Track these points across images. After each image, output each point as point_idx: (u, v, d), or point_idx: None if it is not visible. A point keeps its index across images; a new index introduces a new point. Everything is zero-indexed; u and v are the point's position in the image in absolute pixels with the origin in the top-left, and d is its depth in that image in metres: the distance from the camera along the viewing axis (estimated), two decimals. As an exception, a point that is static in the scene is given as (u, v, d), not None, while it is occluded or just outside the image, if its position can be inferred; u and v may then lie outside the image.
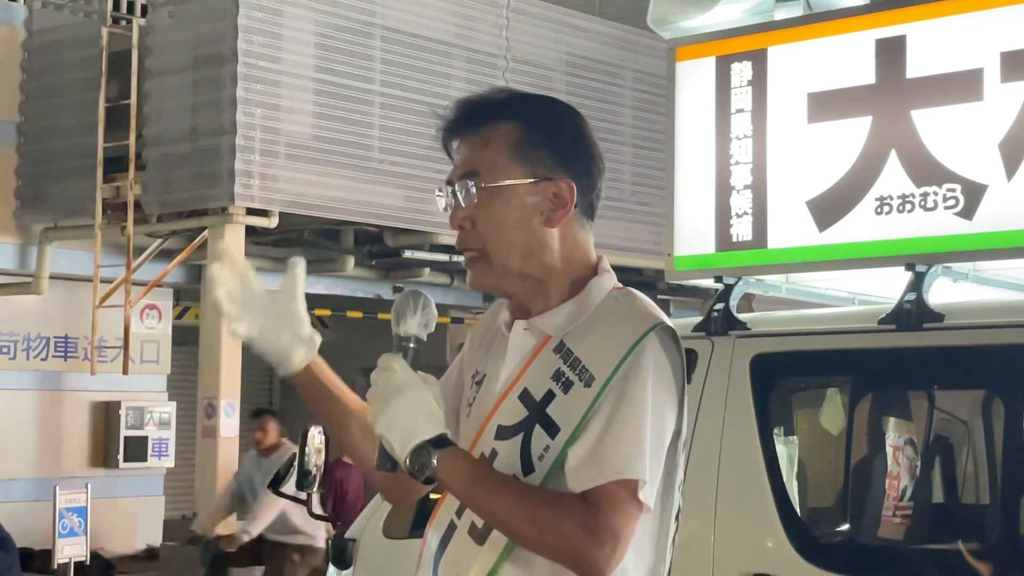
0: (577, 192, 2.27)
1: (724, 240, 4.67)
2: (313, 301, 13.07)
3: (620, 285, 2.31)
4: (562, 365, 2.20)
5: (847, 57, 4.47)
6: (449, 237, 11.40)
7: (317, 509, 7.26)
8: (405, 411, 2.11)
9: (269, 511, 9.05)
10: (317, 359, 2.35)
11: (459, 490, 2.13)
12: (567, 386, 2.18)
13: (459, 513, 2.24)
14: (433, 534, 2.29)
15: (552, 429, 2.17)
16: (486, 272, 2.26)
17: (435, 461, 2.10)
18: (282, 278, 2.34)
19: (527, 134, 2.25)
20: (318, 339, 2.34)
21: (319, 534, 9.25)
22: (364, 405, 2.33)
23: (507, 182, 2.23)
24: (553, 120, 2.29)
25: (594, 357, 2.18)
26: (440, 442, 2.12)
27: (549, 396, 2.19)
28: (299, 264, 2.34)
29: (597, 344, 2.19)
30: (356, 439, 2.38)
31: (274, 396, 16.00)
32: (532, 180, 2.24)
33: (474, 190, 2.23)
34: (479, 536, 2.20)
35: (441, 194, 2.30)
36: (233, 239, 10.38)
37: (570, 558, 2.10)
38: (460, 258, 2.34)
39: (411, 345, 2.20)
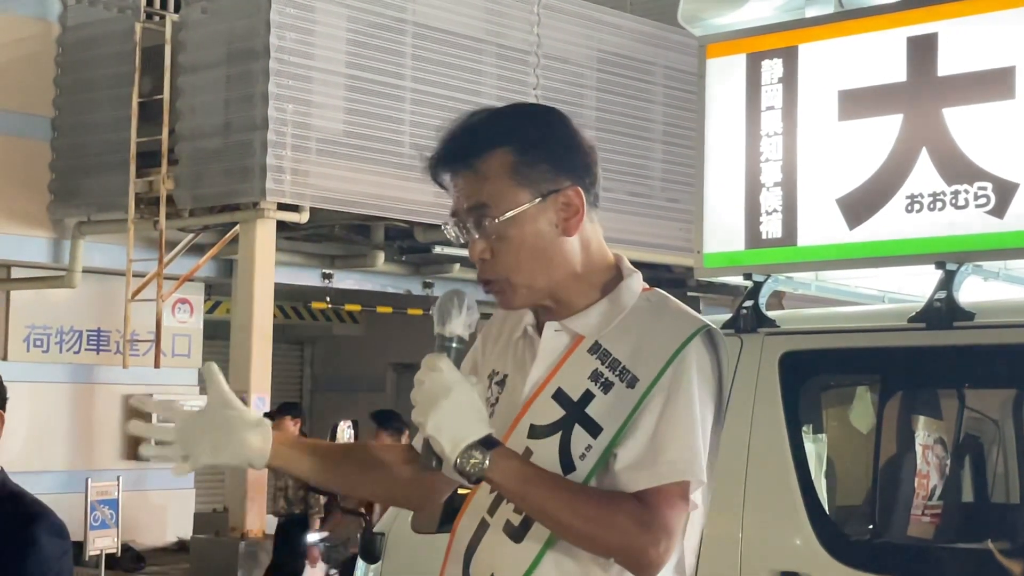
0: (584, 195, 2.24)
1: (754, 237, 4.66)
2: (343, 296, 13.15)
3: (647, 285, 2.31)
4: (600, 366, 2.20)
5: (878, 55, 4.46)
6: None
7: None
8: (454, 411, 2.10)
9: None
10: (278, 438, 2.31)
11: (512, 489, 2.13)
12: (607, 387, 2.18)
13: (491, 511, 2.24)
14: (463, 531, 2.29)
15: (594, 429, 2.17)
16: (514, 297, 2.25)
17: (487, 461, 2.10)
18: (208, 384, 2.30)
19: (520, 155, 2.21)
20: (266, 422, 2.31)
21: None
22: (342, 448, 2.38)
23: (517, 210, 2.20)
24: (540, 131, 2.25)
25: (636, 358, 2.19)
26: (489, 442, 2.12)
27: (588, 396, 2.19)
28: (212, 368, 2.31)
29: (638, 346, 2.20)
30: (354, 479, 2.41)
31: (304, 391, 16.06)
32: (539, 199, 2.21)
33: (487, 225, 2.20)
34: (515, 534, 2.20)
35: (448, 226, 2.26)
36: (264, 234, 10.44)
37: (625, 556, 2.12)
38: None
39: (455, 345, 2.18)
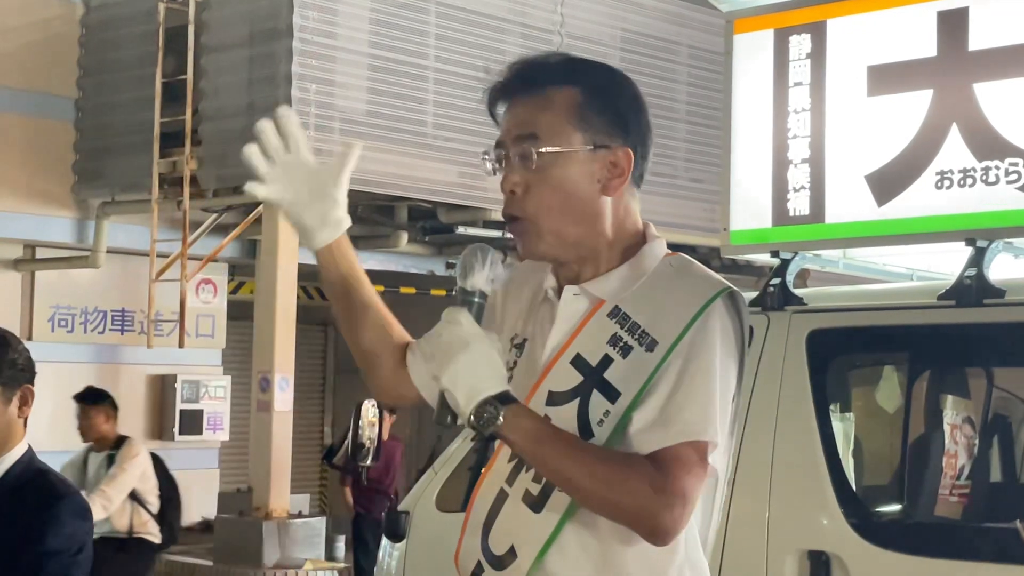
0: (633, 160, 2.23)
1: (781, 215, 4.63)
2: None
3: (671, 251, 2.29)
4: (619, 330, 2.17)
5: (908, 29, 4.41)
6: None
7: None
8: (471, 365, 2.07)
9: None
10: (341, 242, 2.38)
11: (525, 448, 2.10)
12: (626, 351, 2.15)
13: (510, 481, 2.21)
14: (480, 502, 2.27)
15: (612, 394, 2.14)
16: (537, 241, 2.22)
17: (501, 417, 2.06)
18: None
19: (588, 100, 2.20)
20: (347, 223, 2.36)
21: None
22: (381, 305, 2.39)
23: (567, 148, 2.19)
24: (613, 86, 2.25)
25: (656, 322, 2.16)
26: (505, 398, 2.09)
27: (606, 361, 2.16)
28: (355, 148, 2.34)
29: (659, 309, 2.17)
30: (366, 334, 2.40)
31: (328, 371, 16.08)
32: (591, 148, 2.20)
33: (534, 154, 2.18)
34: (535, 503, 2.17)
35: (488, 156, 2.25)
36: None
37: (638, 519, 2.08)
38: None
39: (476, 299, 2.16)
